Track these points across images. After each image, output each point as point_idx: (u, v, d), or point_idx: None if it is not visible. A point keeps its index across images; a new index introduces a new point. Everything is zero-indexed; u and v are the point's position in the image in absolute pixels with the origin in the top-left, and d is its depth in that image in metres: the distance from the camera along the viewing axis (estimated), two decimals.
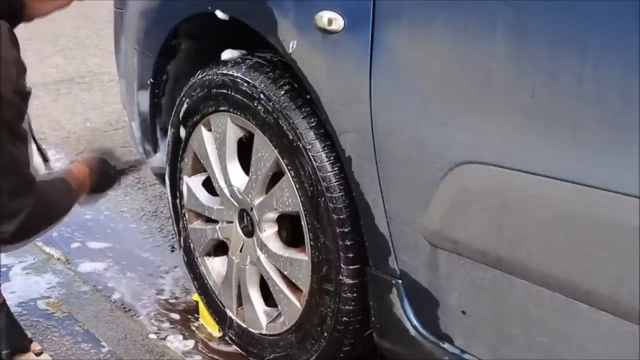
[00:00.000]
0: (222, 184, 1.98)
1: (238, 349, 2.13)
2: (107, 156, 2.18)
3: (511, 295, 1.44)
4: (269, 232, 1.90)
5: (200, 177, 2.10)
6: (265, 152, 1.82)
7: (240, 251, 1.99)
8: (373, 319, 1.73)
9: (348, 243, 1.70)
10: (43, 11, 1.83)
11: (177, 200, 2.17)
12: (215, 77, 1.90)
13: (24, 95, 1.64)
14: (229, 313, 2.09)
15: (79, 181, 1.99)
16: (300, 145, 1.72)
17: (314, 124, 1.72)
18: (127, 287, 2.49)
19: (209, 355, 2.18)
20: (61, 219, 1.93)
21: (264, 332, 1.99)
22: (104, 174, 2.12)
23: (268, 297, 1.98)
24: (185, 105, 2.02)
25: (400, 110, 1.52)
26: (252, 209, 1.91)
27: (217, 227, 2.06)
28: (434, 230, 1.53)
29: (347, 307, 1.75)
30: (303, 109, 1.73)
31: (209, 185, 2.07)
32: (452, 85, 1.44)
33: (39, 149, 2.02)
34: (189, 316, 2.34)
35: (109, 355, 2.15)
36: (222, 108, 1.90)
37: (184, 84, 2.05)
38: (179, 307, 2.39)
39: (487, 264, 1.46)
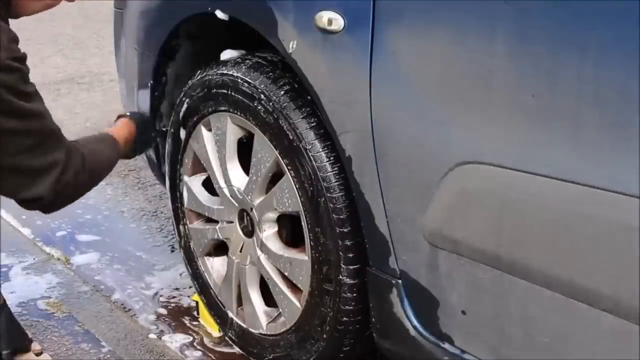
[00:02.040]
0: (222, 184, 1.98)
1: (238, 349, 2.13)
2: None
3: (511, 295, 1.44)
4: (269, 232, 1.90)
5: (200, 177, 2.10)
6: (265, 152, 1.82)
7: (240, 251, 1.99)
8: (373, 319, 1.73)
9: (348, 243, 1.70)
10: (30, 10, 1.82)
11: (177, 200, 2.17)
12: (215, 77, 1.90)
13: (20, 58, 1.63)
14: (229, 313, 2.09)
15: (125, 135, 2.03)
16: (301, 146, 1.72)
17: (314, 124, 1.72)
18: (126, 287, 2.49)
19: (209, 355, 2.18)
20: (104, 174, 1.91)
21: (264, 332, 1.99)
22: (145, 130, 2.18)
23: (268, 297, 1.98)
24: (185, 105, 2.02)
25: (400, 110, 1.52)
26: (252, 209, 1.91)
27: (217, 227, 2.06)
28: (434, 230, 1.53)
29: (347, 307, 1.75)
30: (303, 109, 1.73)
31: (209, 185, 2.07)
32: (452, 86, 1.44)
33: None
34: (189, 316, 2.34)
35: (109, 355, 2.15)
36: (222, 108, 1.90)
37: (184, 84, 2.05)
38: (179, 307, 2.39)
39: (487, 264, 1.46)
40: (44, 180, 1.67)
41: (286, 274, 1.88)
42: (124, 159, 2.13)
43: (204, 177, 2.09)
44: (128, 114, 2.19)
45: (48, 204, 1.75)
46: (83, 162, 1.76)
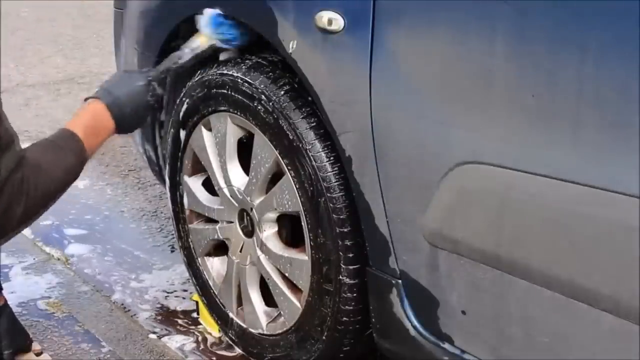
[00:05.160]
0: (222, 184, 1.98)
1: (238, 349, 2.13)
2: (117, 80, 1.78)
3: (511, 295, 1.44)
4: (269, 232, 1.90)
5: (200, 177, 2.10)
6: (265, 152, 1.82)
7: (240, 251, 1.99)
8: (373, 319, 1.73)
9: (348, 243, 1.70)
10: None
11: (177, 200, 2.17)
12: (215, 77, 1.90)
13: None
14: (229, 313, 2.09)
15: (93, 124, 1.65)
16: (300, 146, 1.72)
17: (314, 124, 1.72)
18: (126, 287, 2.49)
19: (209, 355, 2.18)
20: (68, 182, 1.58)
21: (264, 332, 1.99)
22: (130, 99, 1.74)
23: (268, 297, 1.98)
24: (185, 106, 2.01)
25: (400, 110, 1.52)
26: (252, 209, 1.91)
27: (217, 227, 2.06)
28: (434, 230, 1.53)
29: (347, 307, 1.75)
30: (303, 109, 1.73)
31: (209, 185, 2.07)
32: (452, 85, 1.44)
33: None
34: (189, 316, 2.34)
35: (109, 355, 2.15)
36: (222, 108, 1.90)
37: (184, 84, 2.05)
38: (179, 307, 2.39)
39: (487, 264, 1.46)
40: None
41: (286, 274, 1.88)
42: (93, 152, 1.69)
43: (204, 177, 2.09)
44: (96, 91, 1.75)
45: None
46: (21, 184, 1.43)
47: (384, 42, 1.52)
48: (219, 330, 2.19)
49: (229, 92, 1.86)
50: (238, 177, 1.94)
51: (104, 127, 1.70)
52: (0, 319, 1.98)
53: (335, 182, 1.69)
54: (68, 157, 1.59)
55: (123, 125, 1.74)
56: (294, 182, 1.76)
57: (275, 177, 1.83)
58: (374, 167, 1.59)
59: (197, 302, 2.30)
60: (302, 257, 1.82)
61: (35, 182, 1.47)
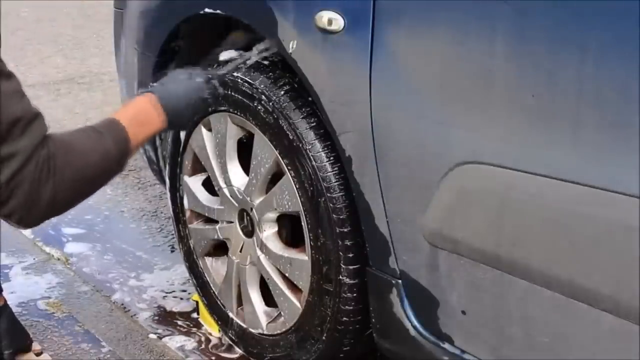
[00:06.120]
0: (222, 184, 1.98)
1: (238, 350, 2.13)
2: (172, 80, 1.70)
3: (511, 295, 1.44)
4: (269, 232, 1.90)
5: (200, 177, 2.10)
6: (265, 152, 1.82)
7: (240, 251, 1.99)
8: (373, 319, 1.73)
9: (348, 243, 1.70)
10: None
11: (177, 200, 2.17)
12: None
13: None
14: (229, 313, 2.09)
15: (141, 114, 1.58)
16: (300, 146, 1.72)
17: (314, 124, 1.72)
18: (126, 287, 2.49)
19: (209, 355, 2.18)
20: (106, 170, 1.50)
21: (264, 332, 1.99)
22: (186, 94, 1.67)
23: (268, 297, 1.98)
24: None
25: (400, 110, 1.52)
26: (252, 209, 1.91)
27: (217, 227, 2.06)
28: (434, 230, 1.53)
29: (347, 307, 1.75)
30: (303, 109, 1.73)
31: (209, 185, 2.07)
32: (452, 85, 1.44)
33: None
34: (189, 316, 2.34)
35: (109, 355, 2.15)
36: (222, 108, 1.90)
37: None
38: (179, 307, 2.39)
39: (487, 264, 1.46)
40: None
41: (286, 274, 1.88)
42: (141, 144, 1.63)
43: (204, 177, 2.09)
44: (150, 86, 1.70)
45: (6, 208, 1.34)
46: (48, 160, 1.36)
47: (384, 42, 1.52)
48: (219, 331, 2.19)
49: (229, 92, 1.86)
50: (238, 177, 1.94)
51: (153, 119, 1.61)
52: (0, 319, 1.98)
53: (335, 182, 1.69)
54: (107, 142, 1.49)
55: (175, 119, 1.66)
56: (294, 182, 1.76)
57: (275, 177, 1.83)
58: (374, 167, 1.59)
59: (197, 302, 2.30)
60: (302, 257, 1.82)
61: (63, 162, 1.38)
